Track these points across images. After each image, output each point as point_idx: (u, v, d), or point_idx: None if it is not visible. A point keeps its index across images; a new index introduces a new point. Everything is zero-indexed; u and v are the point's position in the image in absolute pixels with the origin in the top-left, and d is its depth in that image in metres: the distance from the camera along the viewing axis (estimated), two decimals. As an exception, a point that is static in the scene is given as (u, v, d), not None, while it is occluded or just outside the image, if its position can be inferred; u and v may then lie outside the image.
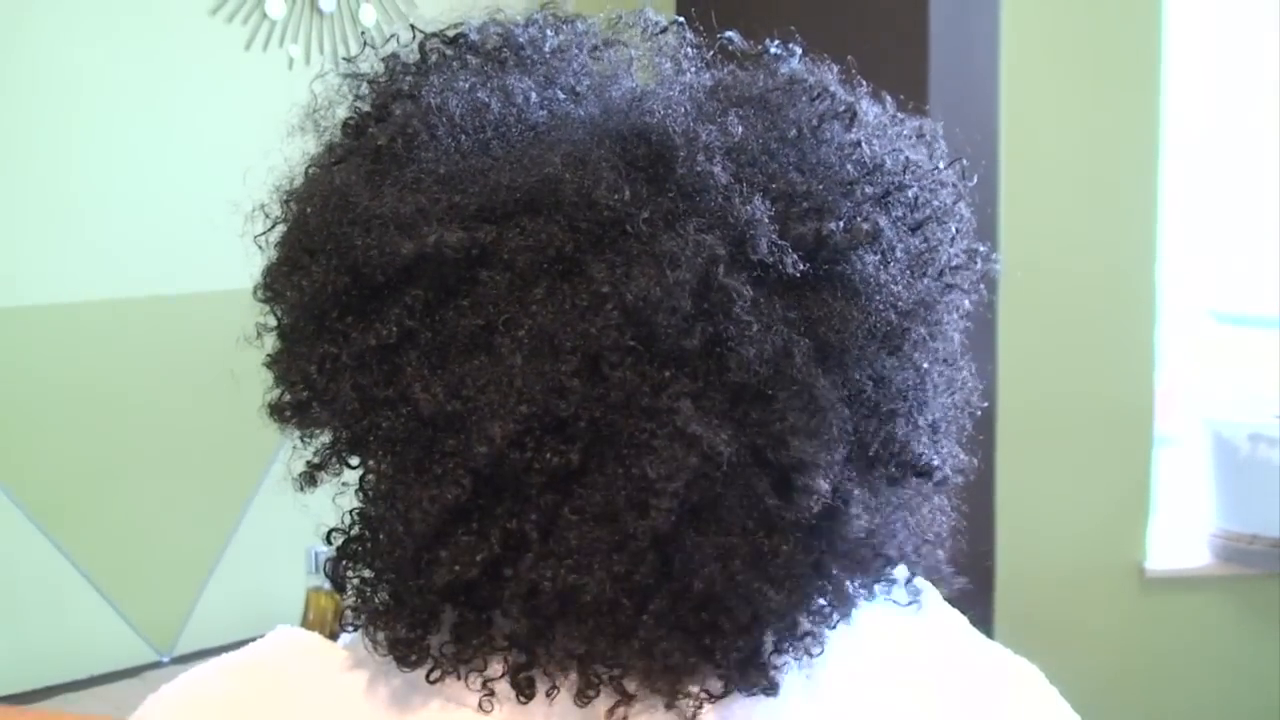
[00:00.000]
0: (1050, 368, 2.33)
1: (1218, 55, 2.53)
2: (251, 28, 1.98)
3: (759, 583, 0.64)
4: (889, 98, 0.77)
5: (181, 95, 1.95)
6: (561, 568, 0.63)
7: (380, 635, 0.69)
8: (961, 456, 0.74)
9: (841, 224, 0.66)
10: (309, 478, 0.72)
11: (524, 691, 0.67)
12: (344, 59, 0.76)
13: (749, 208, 0.64)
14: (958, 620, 0.82)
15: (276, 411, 0.71)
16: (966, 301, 0.74)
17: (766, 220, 0.64)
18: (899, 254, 0.68)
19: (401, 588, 0.68)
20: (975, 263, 0.75)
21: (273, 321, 0.73)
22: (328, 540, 0.73)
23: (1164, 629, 2.43)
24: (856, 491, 0.65)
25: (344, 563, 0.71)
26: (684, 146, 0.65)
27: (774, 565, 0.64)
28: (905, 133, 0.74)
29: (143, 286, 1.93)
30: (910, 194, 0.70)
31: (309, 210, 0.70)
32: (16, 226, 1.84)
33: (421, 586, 0.66)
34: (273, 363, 0.72)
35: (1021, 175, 2.21)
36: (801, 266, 0.64)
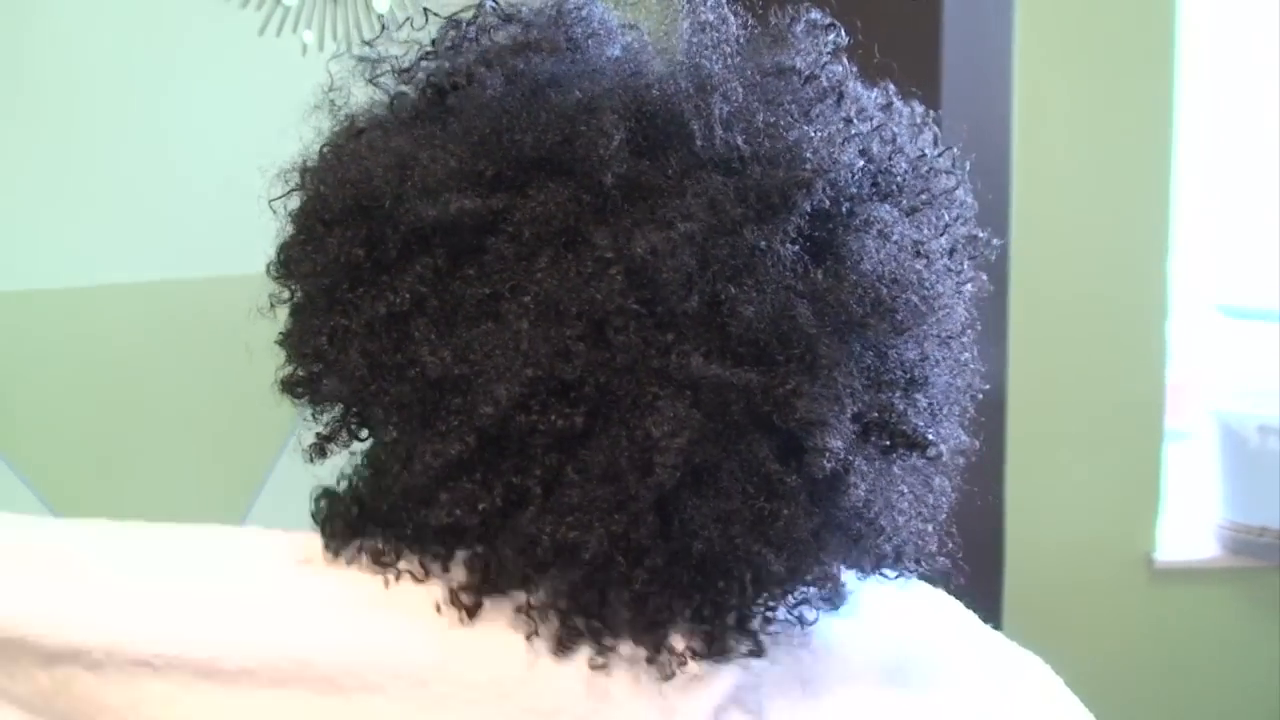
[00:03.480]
0: (1061, 360, 2.33)
1: (1231, 48, 2.52)
2: (265, 13, 1.98)
3: (759, 546, 0.65)
4: (890, 85, 0.77)
5: (195, 81, 1.95)
6: (562, 524, 0.63)
7: (365, 541, 0.70)
8: (963, 438, 0.75)
9: (834, 198, 0.67)
10: (319, 449, 0.74)
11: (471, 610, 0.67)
12: (363, 41, 0.77)
13: (756, 174, 0.65)
14: (955, 609, 0.83)
15: (289, 386, 0.73)
16: (969, 285, 0.74)
17: (770, 189, 0.65)
18: (894, 233, 0.69)
19: (391, 510, 0.69)
20: (976, 248, 0.76)
21: (285, 296, 0.74)
22: (316, 501, 0.75)
23: (1172, 620, 2.43)
24: (855, 460, 0.66)
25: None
26: (696, 117, 0.66)
27: (774, 530, 0.65)
28: (901, 120, 0.75)
29: (155, 271, 1.93)
30: (899, 176, 0.72)
31: (324, 185, 0.72)
32: (31, 212, 1.85)
33: (416, 520, 0.67)
34: (285, 339, 0.74)
35: (1033, 169, 2.21)
36: (799, 236, 0.66)
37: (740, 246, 0.64)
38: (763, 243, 0.64)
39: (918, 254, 0.70)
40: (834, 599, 0.71)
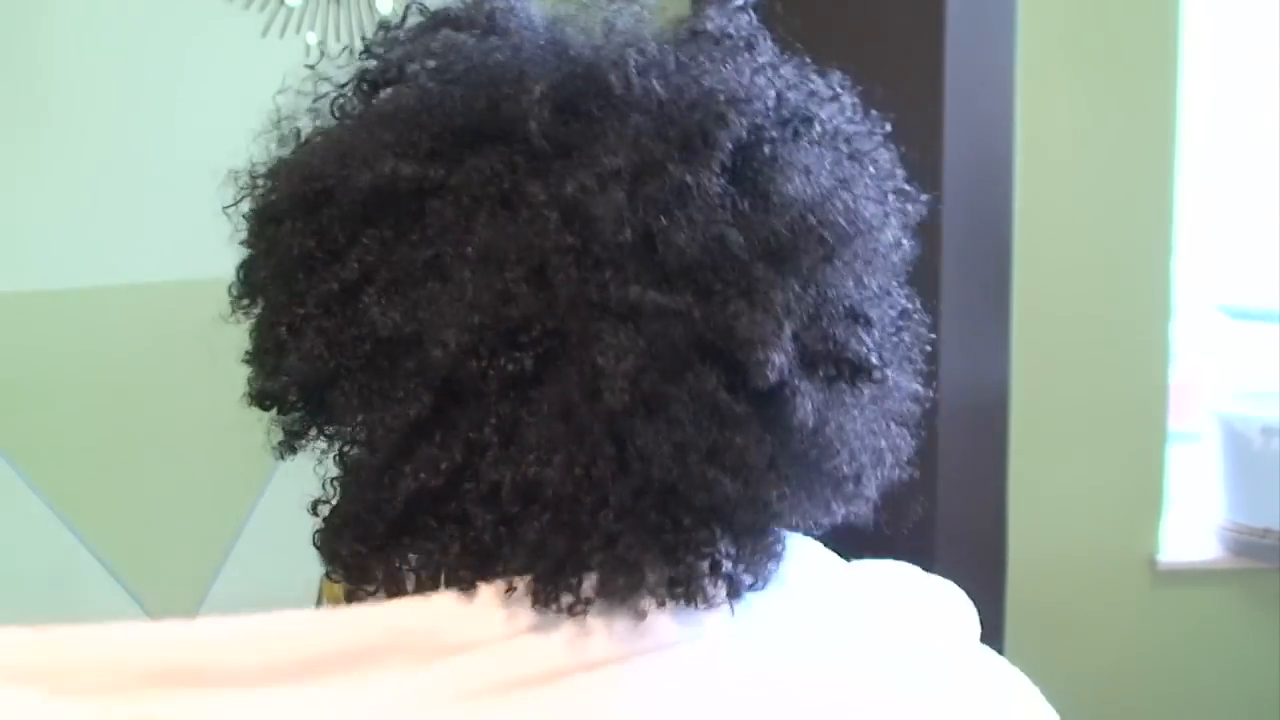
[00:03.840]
0: (1064, 361, 2.33)
1: (1233, 50, 2.52)
2: (269, 15, 1.99)
3: (714, 471, 0.66)
4: (807, 58, 0.80)
5: (198, 82, 1.95)
6: (522, 463, 0.65)
7: (341, 550, 0.72)
8: (915, 387, 0.77)
9: (754, 137, 0.70)
10: (287, 446, 0.77)
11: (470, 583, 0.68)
12: (305, 65, 0.80)
13: (675, 115, 0.69)
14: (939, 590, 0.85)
15: (257, 398, 0.75)
16: (905, 241, 0.77)
17: (690, 128, 0.68)
18: (817, 171, 0.71)
19: (363, 509, 0.70)
20: (907, 201, 0.78)
21: (248, 312, 0.77)
22: (314, 511, 0.76)
23: (1175, 621, 2.43)
24: (801, 384, 0.68)
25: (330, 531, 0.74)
26: (613, 69, 0.70)
27: (729, 456, 0.66)
28: (818, 85, 0.78)
29: (160, 272, 1.93)
30: (819, 127, 0.74)
31: (272, 186, 0.76)
32: (35, 213, 1.85)
33: (383, 499, 0.69)
34: (250, 356, 0.76)
35: (1036, 170, 2.21)
36: (724, 172, 0.69)
37: (667, 183, 0.67)
38: (688, 177, 0.67)
39: (842, 187, 0.72)
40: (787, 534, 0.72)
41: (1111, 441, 2.38)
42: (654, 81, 0.70)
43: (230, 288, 0.78)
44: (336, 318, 0.70)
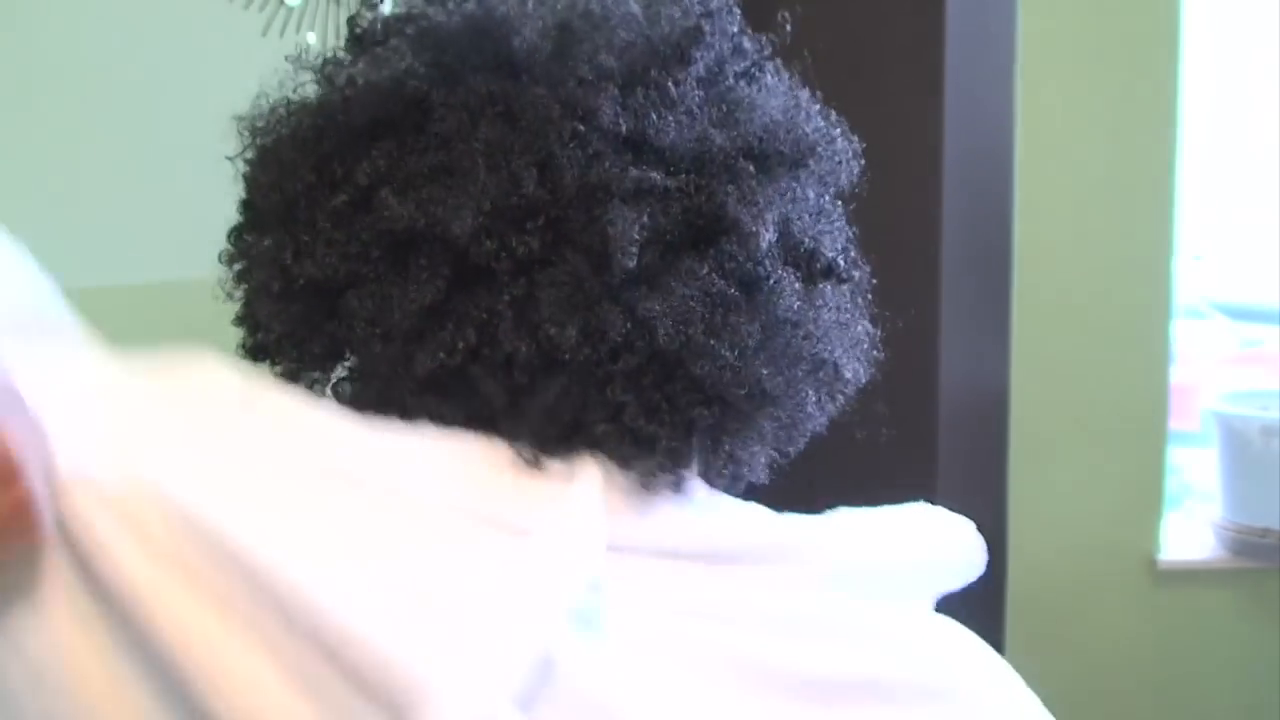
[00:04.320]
0: (1064, 361, 2.33)
1: (1234, 50, 2.52)
2: (268, 15, 1.99)
3: (713, 340, 0.71)
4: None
5: (197, 82, 1.95)
6: (538, 328, 0.69)
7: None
8: (868, 327, 0.83)
9: (720, 65, 0.78)
10: (292, 373, 0.78)
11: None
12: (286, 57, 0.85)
13: (658, 29, 0.76)
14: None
15: (250, 352, 0.80)
16: (841, 177, 0.83)
17: (666, 43, 0.75)
18: (772, 97, 0.79)
19: (376, 384, 0.73)
20: (832, 143, 0.83)
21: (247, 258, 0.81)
22: None
23: (1175, 621, 2.43)
24: (783, 273, 0.74)
25: None
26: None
27: (725, 331, 0.71)
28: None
29: (162, 271, 1.93)
30: (769, 73, 0.81)
31: (269, 136, 0.81)
32: (37, 212, 1.85)
33: (397, 375, 0.71)
34: (244, 313, 0.80)
35: (1037, 170, 2.21)
36: (701, 84, 0.75)
37: (653, 88, 0.73)
38: (670, 85, 0.73)
39: (799, 112, 0.79)
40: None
41: (1111, 441, 2.38)
42: (632, 6, 0.76)
43: (220, 254, 0.82)
44: (347, 227, 0.73)
